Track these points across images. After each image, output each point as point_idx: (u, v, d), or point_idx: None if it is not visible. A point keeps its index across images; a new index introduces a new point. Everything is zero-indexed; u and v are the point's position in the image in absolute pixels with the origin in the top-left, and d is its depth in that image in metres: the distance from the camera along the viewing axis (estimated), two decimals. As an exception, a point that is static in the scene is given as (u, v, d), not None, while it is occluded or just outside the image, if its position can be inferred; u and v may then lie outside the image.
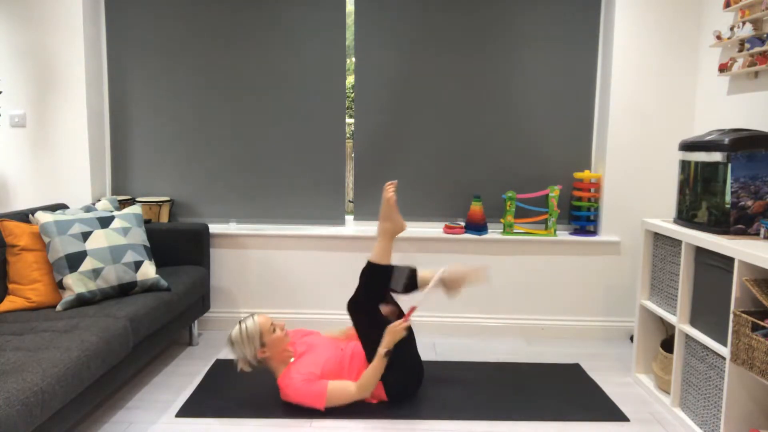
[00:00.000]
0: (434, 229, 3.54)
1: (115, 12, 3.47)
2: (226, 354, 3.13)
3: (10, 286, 2.53)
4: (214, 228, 3.50)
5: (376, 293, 2.55)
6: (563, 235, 3.48)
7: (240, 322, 2.47)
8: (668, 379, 2.63)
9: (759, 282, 2.01)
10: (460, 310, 3.49)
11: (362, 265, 3.36)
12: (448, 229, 3.45)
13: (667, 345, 2.74)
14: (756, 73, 2.76)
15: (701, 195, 2.48)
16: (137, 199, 3.45)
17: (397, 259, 3.42)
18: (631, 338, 3.43)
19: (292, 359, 2.54)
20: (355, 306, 2.52)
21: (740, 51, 2.79)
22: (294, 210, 3.60)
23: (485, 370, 2.95)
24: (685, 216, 2.58)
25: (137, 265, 2.67)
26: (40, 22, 3.29)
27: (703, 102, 3.22)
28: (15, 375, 1.75)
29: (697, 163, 2.51)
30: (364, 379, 2.46)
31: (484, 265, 2.49)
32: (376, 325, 2.50)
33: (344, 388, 2.44)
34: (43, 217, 2.58)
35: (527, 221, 3.45)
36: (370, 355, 2.50)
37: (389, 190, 2.59)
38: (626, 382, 2.87)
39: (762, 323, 1.96)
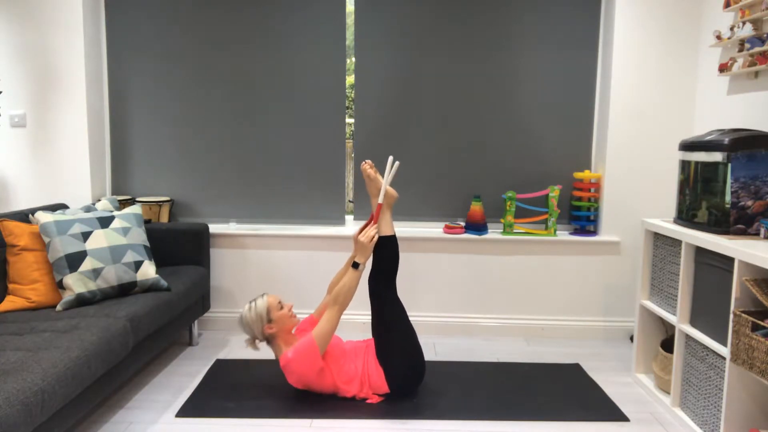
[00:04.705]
0: (434, 229, 3.54)
1: (115, 12, 3.47)
2: (227, 354, 3.13)
3: (10, 286, 2.53)
4: (214, 228, 3.50)
5: (389, 264, 2.63)
6: (563, 235, 3.48)
7: (250, 302, 2.58)
8: (668, 379, 2.63)
9: (759, 282, 2.01)
10: (460, 310, 3.49)
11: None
12: (448, 229, 3.45)
13: (667, 345, 2.74)
14: (756, 73, 2.76)
15: (701, 195, 2.48)
16: (137, 199, 3.45)
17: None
18: (631, 338, 3.43)
19: (295, 342, 2.60)
20: (374, 281, 2.63)
21: (740, 51, 2.79)
22: (294, 210, 3.60)
23: (485, 370, 2.95)
24: (685, 216, 2.58)
25: (137, 265, 2.67)
26: (40, 22, 3.29)
27: (703, 102, 3.22)
28: (15, 375, 1.75)
29: (697, 163, 2.51)
30: (337, 291, 2.52)
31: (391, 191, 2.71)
32: (390, 302, 2.60)
33: (324, 319, 2.50)
34: (43, 217, 2.58)
35: (527, 221, 3.45)
36: (374, 330, 2.61)
37: (365, 168, 2.69)
38: (626, 382, 2.87)
39: (762, 323, 1.96)
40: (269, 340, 2.57)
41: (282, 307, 2.56)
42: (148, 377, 2.83)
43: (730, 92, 2.97)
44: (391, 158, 2.65)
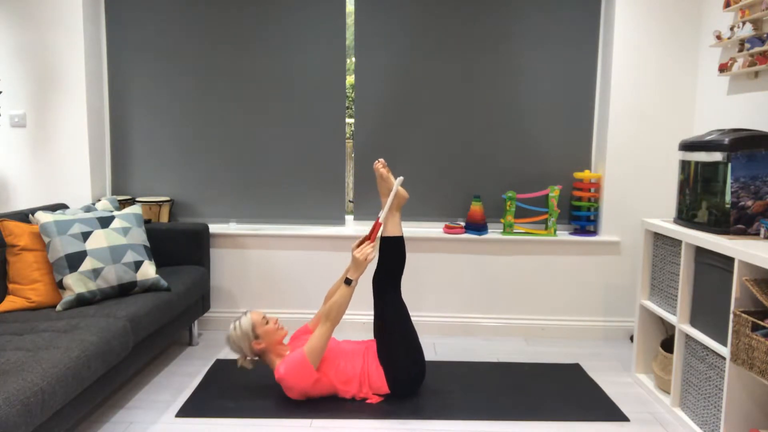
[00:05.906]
0: (434, 229, 3.54)
1: (115, 12, 3.47)
2: (226, 354, 3.13)
3: (10, 286, 2.53)
4: (214, 228, 3.50)
5: (394, 265, 2.62)
6: (563, 235, 3.48)
7: (234, 321, 2.57)
8: (668, 379, 2.63)
9: (759, 282, 2.01)
10: (460, 310, 3.49)
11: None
12: (448, 229, 3.45)
13: (667, 345, 2.74)
14: (756, 73, 2.76)
15: (701, 195, 2.48)
16: (137, 199, 3.45)
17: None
18: (631, 338, 3.43)
19: (287, 352, 2.58)
20: (378, 281, 2.63)
21: (740, 51, 2.79)
22: (294, 210, 3.60)
23: (485, 370, 2.95)
24: (685, 216, 2.58)
25: (137, 265, 2.67)
26: (40, 21, 3.29)
27: (703, 102, 3.22)
28: (15, 375, 1.75)
29: (697, 163, 2.51)
30: (329, 306, 2.48)
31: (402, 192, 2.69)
32: (394, 302, 2.60)
33: (315, 335, 2.47)
34: (43, 217, 2.57)
35: (527, 221, 3.45)
36: (377, 331, 2.60)
37: (378, 167, 2.66)
38: (626, 382, 2.87)
39: (762, 323, 1.96)
40: (260, 355, 2.56)
41: (267, 322, 2.55)
42: (148, 377, 2.83)
43: (730, 92, 2.97)
44: (400, 179, 2.62)
